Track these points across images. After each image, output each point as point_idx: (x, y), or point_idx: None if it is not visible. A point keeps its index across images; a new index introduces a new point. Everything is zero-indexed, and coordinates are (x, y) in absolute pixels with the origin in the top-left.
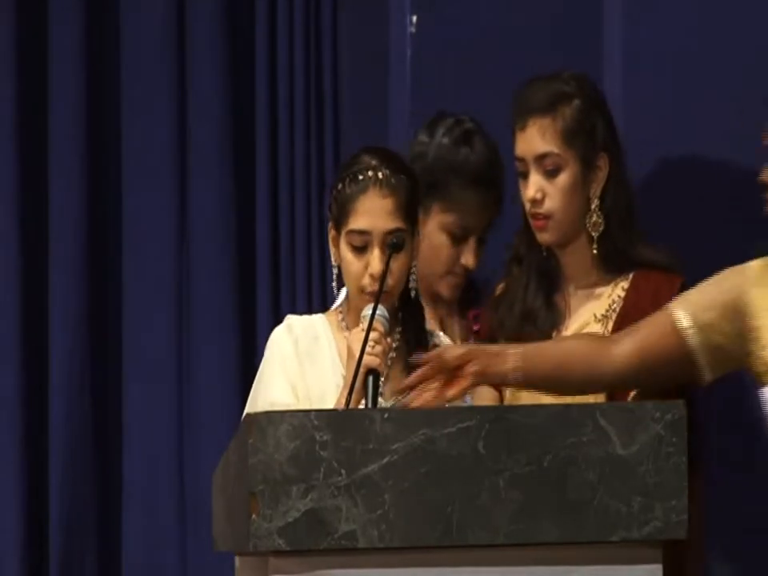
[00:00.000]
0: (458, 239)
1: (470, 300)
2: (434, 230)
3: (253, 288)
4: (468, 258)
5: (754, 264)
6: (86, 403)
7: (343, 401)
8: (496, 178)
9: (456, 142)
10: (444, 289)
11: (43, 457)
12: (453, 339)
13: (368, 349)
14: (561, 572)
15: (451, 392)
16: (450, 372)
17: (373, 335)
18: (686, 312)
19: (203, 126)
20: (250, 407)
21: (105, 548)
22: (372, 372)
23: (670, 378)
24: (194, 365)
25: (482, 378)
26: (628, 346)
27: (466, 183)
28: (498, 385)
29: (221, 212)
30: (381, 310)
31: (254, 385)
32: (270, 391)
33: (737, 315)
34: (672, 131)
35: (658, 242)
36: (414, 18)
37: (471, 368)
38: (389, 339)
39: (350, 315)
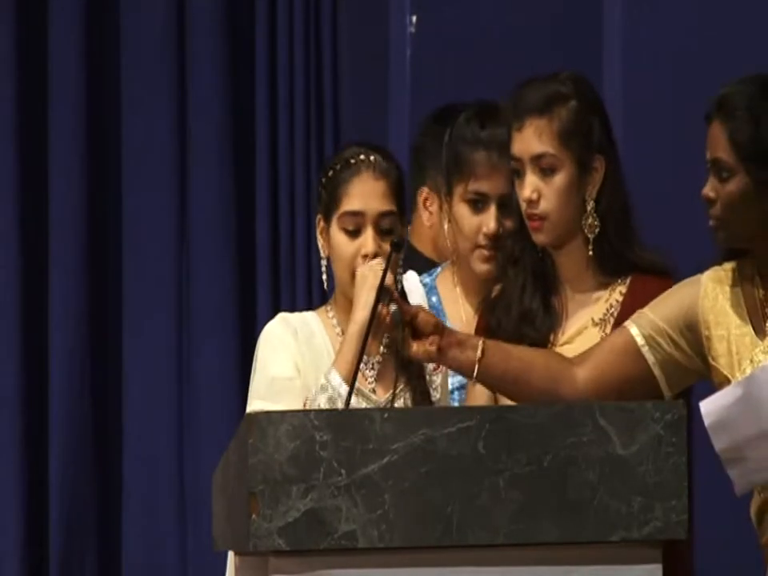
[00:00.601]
0: (477, 207)
1: None
2: (457, 204)
3: (253, 288)
4: (488, 224)
5: (705, 275)
6: (85, 403)
7: (356, 324)
8: (508, 143)
9: (470, 117)
10: (477, 265)
11: (43, 457)
12: None
13: (377, 268)
14: (561, 572)
15: (413, 348)
16: (416, 331)
17: (379, 260)
18: (641, 329)
19: (203, 126)
20: (253, 391)
21: (105, 548)
22: (384, 290)
23: (632, 395)
24: (193, 365)
25: (439, 356)
26: (589, 371)
27: (472, 147)
28: (453, 369)
29: (221, 212)
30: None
31: (251, 374)
32: (270, 367)
33: (690, 328)
34: (671, 131)
35: (656, 242)
36: (414, 18)
37: (435, 340)
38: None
39: (339, 311)
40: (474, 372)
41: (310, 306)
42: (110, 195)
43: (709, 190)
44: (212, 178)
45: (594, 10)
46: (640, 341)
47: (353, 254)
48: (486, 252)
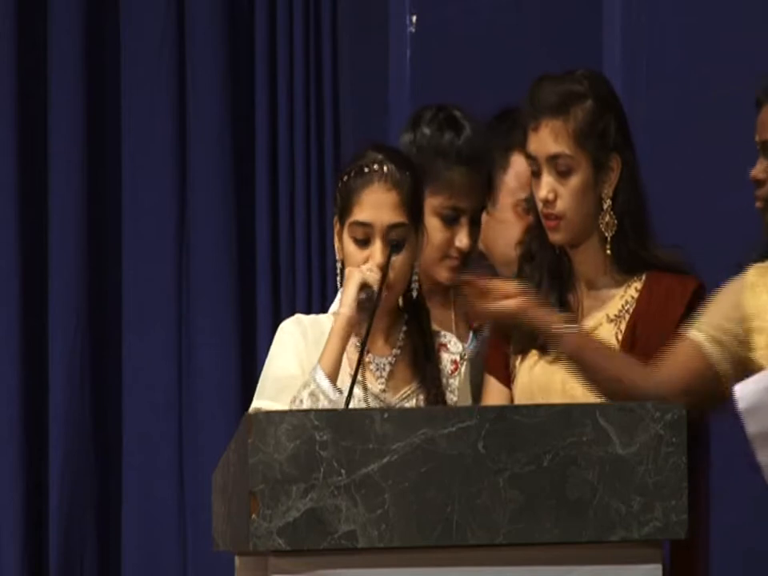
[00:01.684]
0: (449, 221)
1: None
2: (427, 215)
3: (252, 288)
4: (462, 239)
5: (749, 272)
6: (85, 404)
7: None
8: (484, 157)
9: (440, 127)
10: (442, 273)
11: (43, 458)
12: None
13: (365, 269)
14: (560, 572)
15: (492, 308)
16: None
17: (373, 264)
18: (700, 331)
19: (203, 127)
20: (259, 385)
21: (105, 548)
22: (365, 285)
23: (700, 395)
24: (193, 365)
25: (525, 312)
26: (668, 374)
27: (451, 163)
28: (540, 325)
29: (221, 213)
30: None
31: (263, 370)
32: (276, 363)
33: (740, 321)
34: (672, 128)
35: (658, 240)
36: (414, 18)
37: (521, 299)
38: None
39: None
40: (557, 346)
41: (309, 306)
42: (110, 195)
43: (758, 171)
44: (211, 179)
45: (594, 8)
46: (702, 340)
47: (361, 263)
48: (455, 263)
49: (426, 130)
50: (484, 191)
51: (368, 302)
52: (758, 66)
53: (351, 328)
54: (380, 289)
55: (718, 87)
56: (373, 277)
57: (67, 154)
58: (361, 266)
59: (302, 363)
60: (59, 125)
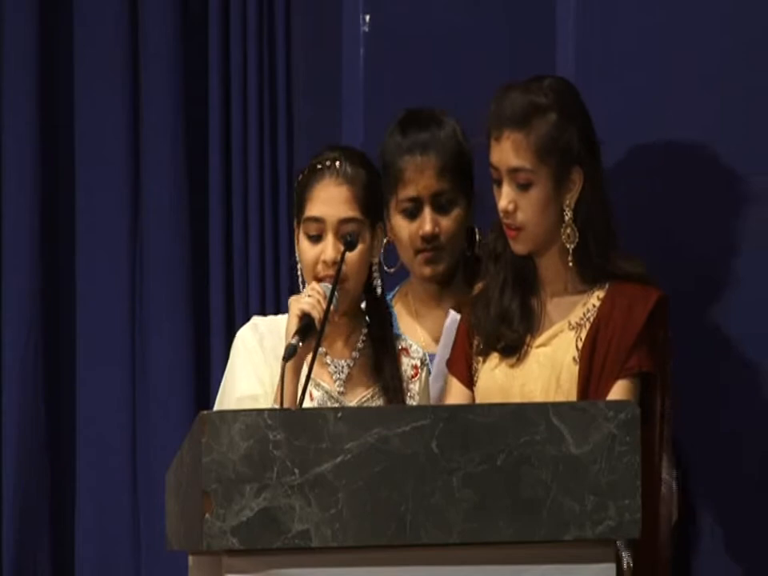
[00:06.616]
0: (411, 214)
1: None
2: (394, 217)
3: (206, 289)
4: (424, 226)
5: None
6: (39, 403)
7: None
8: (436, 142)
9: (392, 131)
10: (420, 270)
11: None
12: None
13: (305, 297)
14: (514, 571)
15: None
16: None
17: (313, 287)
18: None
19: (157, 127)
20: (218, 402)
21: (58, 547)
22: (305, 315)
23: None
24: (147, 365)
25: None
26: None
27: (401, 152)
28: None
29: (174, 212)
30: (326, 288)
31: (222, 382)
32: (236, 385)
33: None
34: (623, 129)
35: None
36: (368, 18)
37: None
38: (324, 313)
39: None
40: None
41: (263, 308)
42: (63, 195)
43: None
44: (165, 178)
45: (547, 9)
46: None
47: (314, 259)
48: (427, 254)
49: (386, 133)
50: (441, 175)
51: (309, 328)
52: (711, 66)
53: (300, 359)
54: (335, 279)
55: (674, 92)
56: (310, 303)
57: (20, 159)
58: (299, 297)
59: (262, 378)
60: (11, 125)
